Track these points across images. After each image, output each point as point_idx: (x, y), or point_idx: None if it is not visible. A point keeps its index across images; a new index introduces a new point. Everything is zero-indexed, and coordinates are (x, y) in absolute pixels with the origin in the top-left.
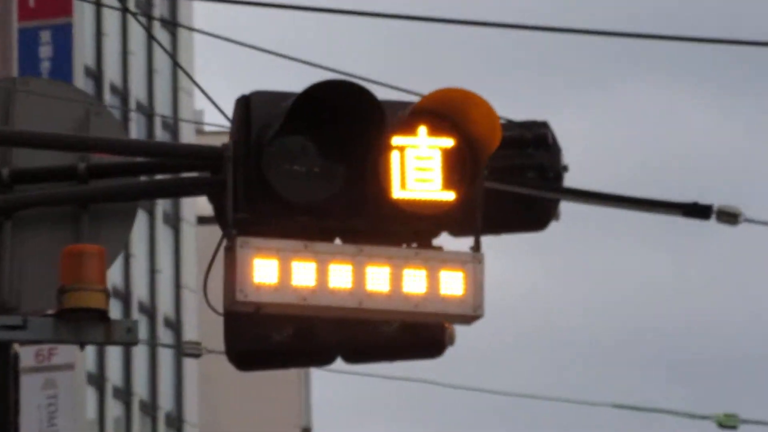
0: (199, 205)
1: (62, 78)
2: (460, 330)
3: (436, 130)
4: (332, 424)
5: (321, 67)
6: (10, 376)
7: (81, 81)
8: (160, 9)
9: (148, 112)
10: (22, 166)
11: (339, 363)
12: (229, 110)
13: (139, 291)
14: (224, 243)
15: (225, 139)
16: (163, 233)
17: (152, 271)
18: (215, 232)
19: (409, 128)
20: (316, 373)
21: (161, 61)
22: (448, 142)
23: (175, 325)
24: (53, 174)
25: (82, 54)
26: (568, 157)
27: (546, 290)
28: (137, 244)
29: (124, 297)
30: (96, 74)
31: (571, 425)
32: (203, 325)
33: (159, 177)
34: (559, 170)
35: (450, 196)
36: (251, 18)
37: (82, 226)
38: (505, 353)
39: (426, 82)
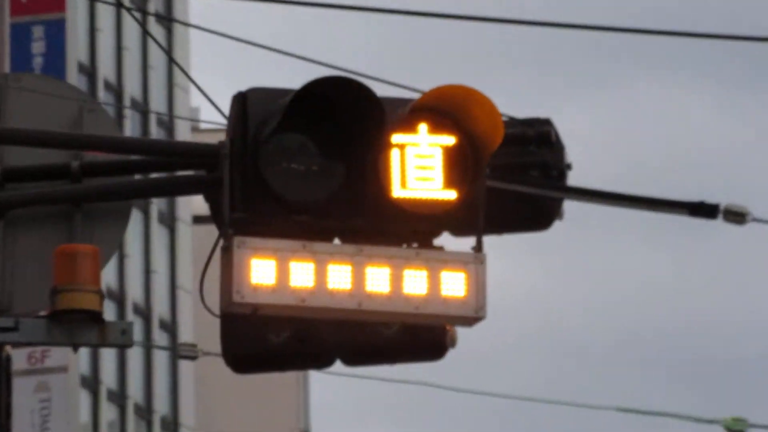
0: (195, 204)
1: (55, 74)
2: (460, 331)
3: (437, 127)
4: (331, 428)
5: (319, 63)
6: (2, 379)
7: (74, 77)
8: (155, 4)
9: (142, 109)
10: (14, 164)
11: (338, 366)
12: (226, 107)
13: (134, 292)
14: (221, 243)
15: (221, 137)
16: (159, 233)
17: (147, 272)
18: (211, 231)
19: (409, 126)
20: (315, 376)
21: (156, 57)
22: (450, 139)
23: (170, 327)
24: (46, 172)
25: (76, 50)
26: (570, 155)
27: (547, 291)
28: (132, 244)
29: (119, 298)
30: (90, 70)
31: (574, 429)
32: (199, 326)
33: (154, 175)
34: (563, 168)
35: (451, 195)
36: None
37: (76, 226)
38: (506, 355)
39: (426, 79)
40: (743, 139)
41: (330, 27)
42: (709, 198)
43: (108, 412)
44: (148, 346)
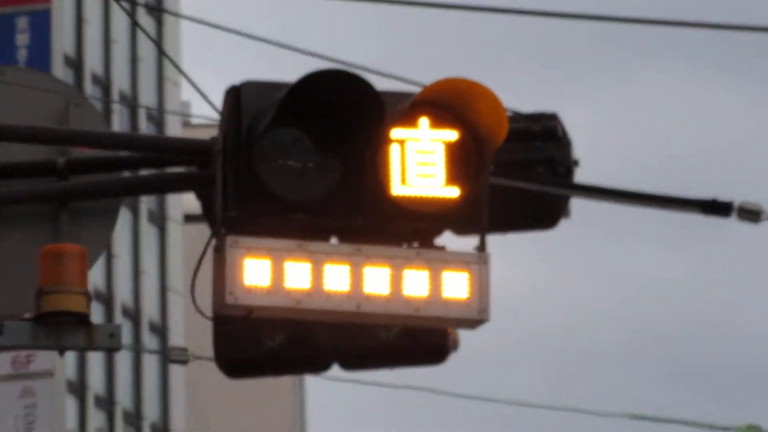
0: (187, 202)
1: (40, 67)
2: (462, 334)
3: (438, 122)
4: None
5: (316, 55)
6: None
7: (60, 70)
8: None
9: (131, 103)
10: None
11: (335, 370)
12: (218, 101)
13: (123, 293)
14: (213, 242)
15: (214, 132)
16: (148, 232)
17: (136, 273)
18: (203, 231)
19: (409, 120)
20: (311, 381)
21: (146, 49)
22: (452, 135)
23: (160, 330)
24: (31, 169)
25: (62, 42)
26: (578, 150)
27: (553, 292)
28: (120, 244)
29: (107, 300)
30: (76, 63)
31: None
32: (190, 329)
33: (143, 172)
34: (570, 165)
35: (453, 192)
36: (241, 4)
37: (62, 225)
38: (511, 358)
39: (427, 72)
40: (757, 134)
41: (327, 18)
42: (722, 195)
43: (95, 419)
44: (137, 350)
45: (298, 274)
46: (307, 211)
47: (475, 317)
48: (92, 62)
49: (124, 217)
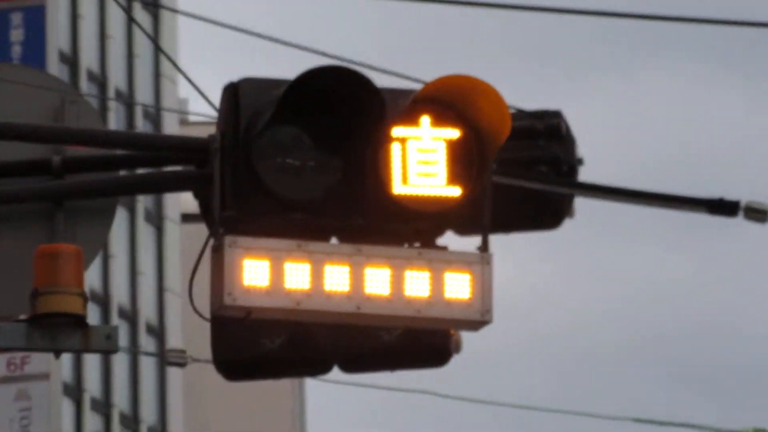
0: (184, 201)
1: (35, 64)
2: (465, 336)
3: (440, 120)
4: None
5: (315, 51)
6: None
7: (55, 67)
8: None
9: (128, 100)
10: None
11: (336, 372)
12: (216, 99)
13: (119, 294)
14: (211, 242)
15: (211, 130)
16: (145, 232)
17: (133, 273)
18: (201, 230)
19: (411, 118)
20: (311, 383)
21: (142, 45)
22: (454, 133)
23: (157, 332)
24: (25, 168)
25: (57, 38)
26: (582, 149)
27: (557, 292)
28: (117, 244)
29: (103, 301)
30: (71, 60)
31: None
32: (188, 331)
33: (140, 171)
34: (574, 163)
35: (455, 191)
36: None
37: (58, 224)
38: (514, 360)
39: (429, 68)
40: (759, 132)
41: (327, 14)
42: (729, 195)
43: (92, 422)
44: (134, 352)
45: (297, 275)
46: (306, 210)
47: (477, 318)
48: (88, 59)
49: (120, 216)
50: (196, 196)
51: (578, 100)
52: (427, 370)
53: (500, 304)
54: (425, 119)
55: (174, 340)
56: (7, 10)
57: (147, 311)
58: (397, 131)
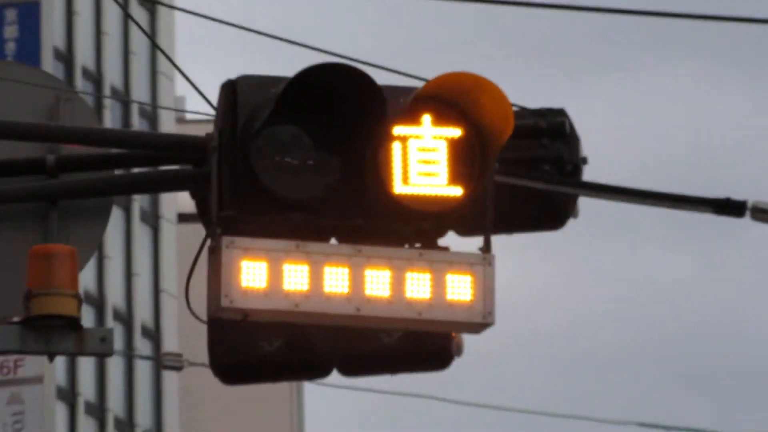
0: (181, 201)
1: (29, 61)
2: (466, 338)
3: (441, 118)
4: None
5: (315, 49)
6: None
7: (50, 64)
8: None
9: (124, 98)
10: None
11: (335, 376)
12: (214, 96)
13: (115, 296)
14: (208, 243)
15: (209, 129)
16: (141, 232)
17: (129, 275)
18: (198, 231)
19: (412, 117)
20: (310, 386)
21: (139, 42)
22: (455, 131)
23: (153, 334)
24: (19, 167)
25: (52, 34)
26: (587, 148)
27: (560, 294)
28: (112, 245)
29: (98, 303)
30: (66, 57)
31: None
32: (185, 334)
33: (136, 170)
34: (578, 162)
35: (457, 191)
36: None
37: (52, 225)
38: (516, 363)
39: (431, 66)
40: (764, 131)
41: (326, 11)
42: (736, 194)
43: (86, 426)
44: (129, 355)
45: (296, 276)
46: (305, 210)
47: (479, 321)
48: (83, 56)
49: (116, 216)
50: (193, 195)
51: (580, 99)
52: (432, 374)
53: (501, 304)
54: (426, 118)
55: (170, 342)
56: (2, 6)
57: (143, 313)
58: (397, 130)
